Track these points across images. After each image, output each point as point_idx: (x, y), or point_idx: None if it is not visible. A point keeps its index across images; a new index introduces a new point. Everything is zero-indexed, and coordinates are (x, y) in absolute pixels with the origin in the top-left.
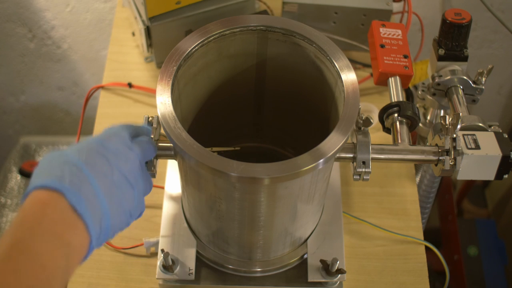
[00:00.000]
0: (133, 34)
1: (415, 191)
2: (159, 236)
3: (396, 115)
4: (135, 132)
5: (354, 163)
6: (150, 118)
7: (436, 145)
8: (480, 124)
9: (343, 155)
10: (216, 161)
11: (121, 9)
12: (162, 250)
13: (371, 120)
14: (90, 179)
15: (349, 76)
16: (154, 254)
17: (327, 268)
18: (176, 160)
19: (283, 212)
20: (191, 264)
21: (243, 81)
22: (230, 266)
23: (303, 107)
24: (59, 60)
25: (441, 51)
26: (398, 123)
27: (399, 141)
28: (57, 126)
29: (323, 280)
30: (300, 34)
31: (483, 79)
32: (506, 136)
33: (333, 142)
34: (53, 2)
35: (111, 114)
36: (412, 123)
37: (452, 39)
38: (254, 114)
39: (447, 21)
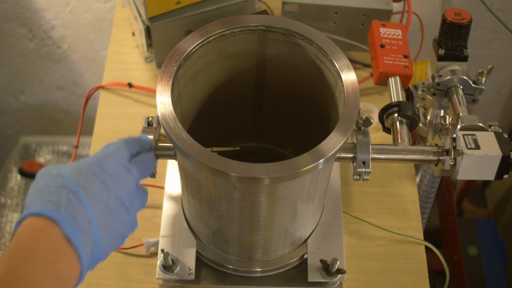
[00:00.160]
0: (133, 34)
1: (415, 191)
2: (159, 236)
3: (396, 115)
4: (134, 150)
5: (354, 163)
6: (150, 118)
7: (436, 145)
8: (480, 124)
9: (343, 155)
10: (216, 161)
11: (121, 9)
12: (162, 250)
13: (371, 120)
14: (86, 208)
15: (349, 76)
16: (154, 254)
17: (327, 268)
18: (176, 160)
19: (283, 212)
20: (191, 264)
21: (243, 81)
22: (230, 266)
23: (303, 107)
24: (59, 60)
25: (441, 51)
26: (398, 123)
27: (399, 141)
28: (57, 126)
29: (323, 280)
30: (300, 34)
31: (483, 79)
32: (506, 136)
33: (333, 142)
34: (53, 2)
35: (111, 114)
36: (412, 123)
37: (452, 39)
38: (254, 114)
39: (447, 21)
